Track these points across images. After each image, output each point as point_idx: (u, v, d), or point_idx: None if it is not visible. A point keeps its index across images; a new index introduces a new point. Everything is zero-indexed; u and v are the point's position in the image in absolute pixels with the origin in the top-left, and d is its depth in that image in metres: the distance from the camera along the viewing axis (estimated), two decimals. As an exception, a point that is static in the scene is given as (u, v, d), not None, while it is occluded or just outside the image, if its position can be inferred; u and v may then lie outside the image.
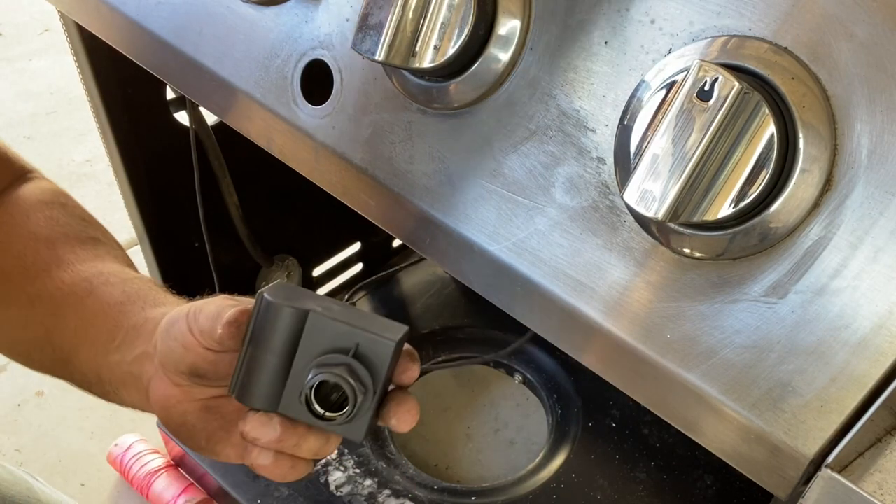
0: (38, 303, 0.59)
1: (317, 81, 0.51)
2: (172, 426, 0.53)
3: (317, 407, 0.46)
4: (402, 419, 0.49)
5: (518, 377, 1.23)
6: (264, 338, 0.46)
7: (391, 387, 0.49)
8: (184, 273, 1.00)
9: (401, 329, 0.47)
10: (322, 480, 1.06)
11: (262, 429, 0.48)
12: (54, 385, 1.33)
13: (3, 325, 0.60)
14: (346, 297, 1.25)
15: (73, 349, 0.57)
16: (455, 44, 0.42)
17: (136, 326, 0.55)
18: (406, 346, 0.48)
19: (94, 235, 0.64)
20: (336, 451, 1.09)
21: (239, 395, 0.47)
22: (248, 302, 0.49)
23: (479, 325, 1.25)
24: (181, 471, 1.16)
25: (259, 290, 0.46)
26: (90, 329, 0.56)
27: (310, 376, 0.45)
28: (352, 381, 0.44)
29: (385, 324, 0.47)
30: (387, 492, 1.05)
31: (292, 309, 0.45)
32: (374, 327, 0.46)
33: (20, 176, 0.65)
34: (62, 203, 0.65)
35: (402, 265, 1.32)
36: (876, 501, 0.34)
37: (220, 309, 0.48)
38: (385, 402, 0.48)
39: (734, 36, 0.37)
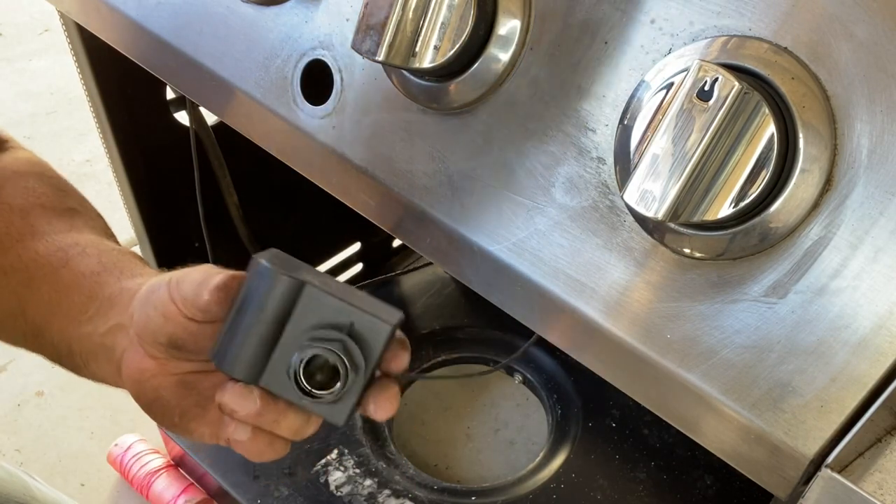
0: (12, 273, 0.57)
1: (317, 81, 0.51)
2: (144, 401, 0.51)
3: (304, 383, 0.43)
4: (381, 406, 0.47)
5: (518, 377, 1.23)
6: (255, 305, 0.43)
7: (377, 373, 0.47)
8: (184, 273, 1.00)
9: (396, 313, 0.45)
10: (322, 480, 1.06)
11: (241, 400, 0.46)
12: (54, 385, 1.33)
13: None
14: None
15: (45, 321, 0.55)
16: (455, 44, 0.42)
17: (111, 297, 0.53)
18: (398, 333, 0.46)
19: (71, 206, 0.62)
20: (336, 451, 1.09)
21: (219, 363, 0.45)
22: (234, 271, 0.47)
23: (479, 325, 1.25)
24: (181, 471, 1.17)
25: (254, 256, 0.44)
26: (63, 300, 0.55)
27: (301, 350, 0.43)
28: (345, 358, 0.42)
29: (381, 306, 0.45)
30: (387, 492, 1.05)
31: (289, 278, 0.43)
32: (371, 308, 0.44)
33: (2, 143, 0.64)
34: (38, 173, 0.63)
35: (404, 268, 1.32)
36: (876, 501, 0.34)
37: (205, 276, 0.46)
38: (367, 387, 0.46)
39: (734, 36, 0.37)
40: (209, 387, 0.50)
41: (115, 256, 0.57)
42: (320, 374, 0.44)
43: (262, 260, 0.44)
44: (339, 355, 0.43)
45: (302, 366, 0.43)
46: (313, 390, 0.44)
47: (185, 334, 0.47)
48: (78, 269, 0.55)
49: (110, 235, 0.62)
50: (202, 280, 0.46)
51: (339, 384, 0.43)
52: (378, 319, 0.43)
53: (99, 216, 0.65)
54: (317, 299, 0.43)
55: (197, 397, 0.50)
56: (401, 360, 0.47)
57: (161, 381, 0.50)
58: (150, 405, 0.51)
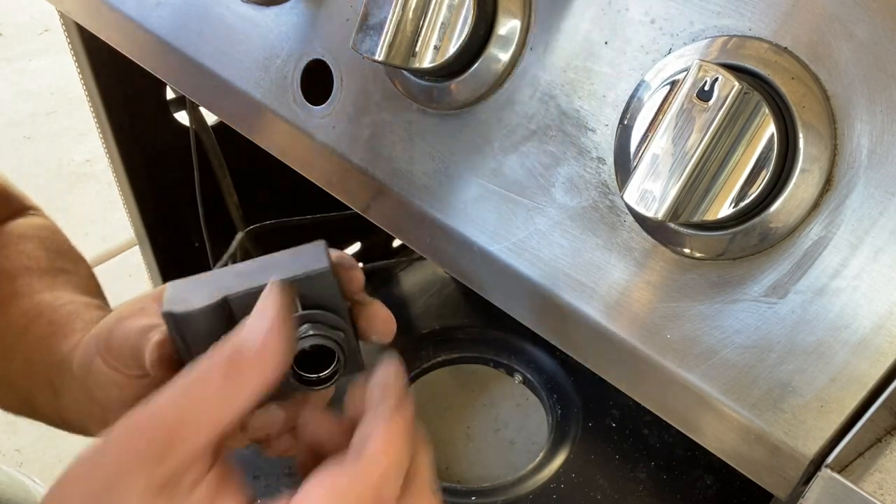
0: None
1: (317, 81, 0.51)
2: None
3: (304, 374, 0.41)
4: (381, 330, 0.44)
5: (518, 377, 1.23)
6: (195, 348, 0.40)
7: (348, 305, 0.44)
8: (184, 273, 1.00)
9: (320, 247, 0.41)
10: (322, 480, 1.06)
11: (265, 417, 0.44)
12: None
13: None
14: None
15: (27, 394, 0.54)
16: (455, 44, 0.42)
17: (61, 369, 0.51)
18: (335, 253, 0.43)
19: (59, 266, 0.61)
20: (336, 451, 1.08)
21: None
22: (149, 315, 0.43)
23: (479, 325, 1.25)
24: (181, 471, 1.16)
25: (162, 311, 0.40)
26: (32, 369, 0.53)
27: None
28: (326, 333, 0.39)
29: (302, 254, 0.41)
30: (387, 492, 1.04)
31: (205, 307, 0.39)
32: (298, 267, 0.40)
33: (17, 212, 0.65)
34: (41, 237, 0.63)
35: (402, 265, 1.32)
36: (876, 501, 0.34)
37: (132, 333, 0.43)
38: (355, 322, 0.43)
39: (734, 36, 0.37)
40: None
41: (66, 311, 0.54)
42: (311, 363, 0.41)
43: (172, 309, 0.40)
44: (319, 333, 0.40)
45: (296, 365, 0.41)
46: (320, 376, 0.42)
47: (149, 391, 0.40)
48: (35, 334, 0.53)
49: (93, 291, 0.60)
50: (133, 339, 0.43)
51: (336, 360, 0.41)
52: (313, 272, 0.40)
53: (90, 275, 0.63)
54: (246, 302, 0.39)
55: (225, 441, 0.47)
56: (356, 278, 0.44)
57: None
58: None
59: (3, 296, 0.57)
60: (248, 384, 0.34)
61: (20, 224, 0.64)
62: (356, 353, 0.42)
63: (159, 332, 0.42)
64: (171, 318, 0.39)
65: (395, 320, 0.44)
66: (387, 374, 0.38)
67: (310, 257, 0.41)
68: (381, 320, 0.44)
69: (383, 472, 0.34)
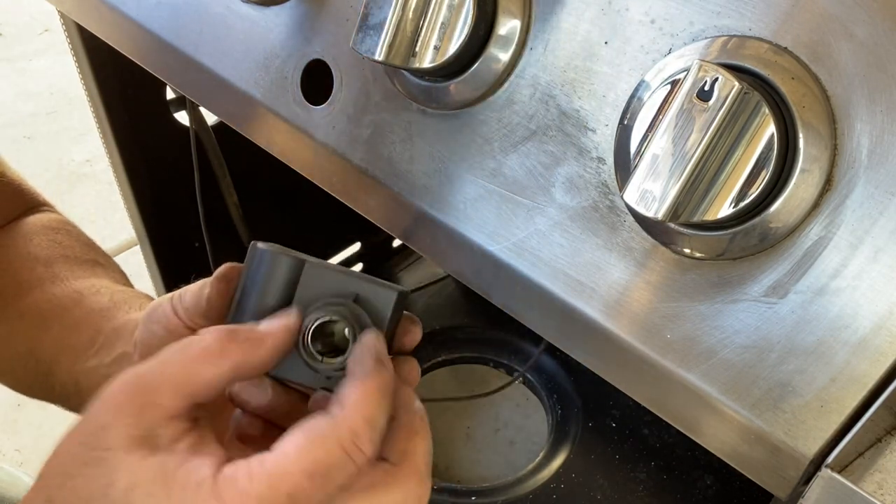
0: (27, 316, 0.58)
1: (317, 81, 0.51)
2: None
3: (314, 352, 0.41)
4: (404, 379, 0.44)
5: (518, 377, 1.23)
6: (256, 290, 0.42)
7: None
8: (184, 273, 1.01)
9: (400, 288, 0.43)
10: (322, 480, 1.06)
11: (252, 389, 0.45)
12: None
13: None
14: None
15: (54, 360, 0.55)
16: (455, 44, 0.42)
17: (117, 329, 0.53)
18: (406, 312, 0.45)
19: (94, 258, 0.64)
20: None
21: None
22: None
23: (479, 325, 1.25)
24: (181, 471, 1.16)
25: (251, 243, 0.43)
26: (72, 337, 0.55)
27: (310, 317, 0.40)
28: (354, 323, 0.40)
29: (384, 281, 0.43)
30: (387, 492, 1.04)
31: (288, 258, 0.41)
32: (374, 280, 0.42)
33: (33, 207, 0.66)
34: (67, 230, 0.65)
35: (402, 265, 1.32)
36: (876, 501, 0.34)
37: (204, 283, 0.46)
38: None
39: (734, 36, 0.37)
40: (218, 401, 0.47)
41: (127, 294, 0.57)
42: (328, 349, 0.41)
43: (259, 244, 0.42)
44: (347, 319, 0.40)
45: (310, 334, 0.41)
46: (325, 358, 0.41)
47: None
48: (89, 306, 0.56)
49: (128, 284, 0.63)
50: (201, 284, 0.46)
51: (349, 351, 0.41)
52: (382, 287, 0.42)
53: (121, 270, 0.66)
54: (318, 276, 0.41)
55: (203, 410, 0.48)
56: (413, 335, 0.45)
57: None
58: None
59: (43, 277, 0.59)
60: (227, 360, 0.37)
61: (41, 218, 0.66)
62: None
63: (227, 265, 0.44)
64: (256, 250, 0.42)
65: (417, 378, 0.46)
66: (365, 343, 0.40)
67: (389, 283, 0.42)
68: (406, 370, 0.45)
69: (356, 425, 0.36)
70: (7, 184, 0.65)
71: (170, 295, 0.48)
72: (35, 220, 0.65)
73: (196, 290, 0.46)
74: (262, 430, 0.45)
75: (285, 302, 0.42)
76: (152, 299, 0.57)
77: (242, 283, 0.43)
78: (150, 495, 0.34)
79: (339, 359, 0.41)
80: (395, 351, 0.45)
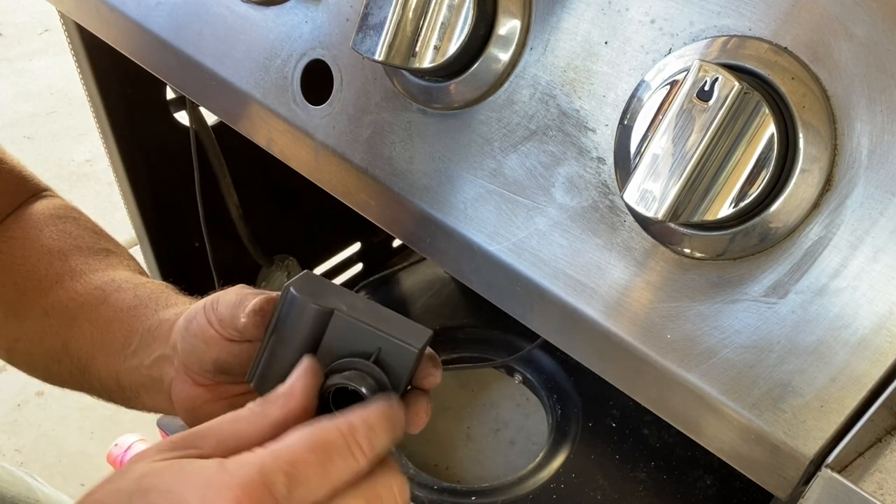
0: (53, 314, 0.59)
1: (317, 81, 0.51)
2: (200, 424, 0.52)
3: (333, 409, 0.45)
4: (411, 420, 0.48)
5: (518, 377, 1.23)
6: (287, 332, 0.46)
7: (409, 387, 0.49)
8: (184, 273, 1.01)
9: (425, 334, 0.46)
10: (322, 480, 1.06)
11: None
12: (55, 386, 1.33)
13: (20, 339, 0.61)
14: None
15: (89, 357, 0.57)
16: (455, 44, 0.42)
17: (151, 329, 0.55)
18: (428, 350, 0.48)
19: (105, 247, 0.65)
20: (336, 451, 1.08)
21: (257, 386, 0.47)
22: (266, 292, 0.49)
23: (479, 325, 1.25)
24: (181, 471, 1.16)
25: (286, 283, 0.46)
26: (105, 335, 0.56)
27: (329, 379, 0.44)
28: (368, 391, 0.44)
29: (410, 327, 0.46)
30: (387, 492, 1.04)
31: (317, 307, 0.45)
32: (398, 332, 0.45)
33: (35, 194, 0.67)
34: (74, 217, 0.66)
35: (402, 265, 1.32)
36: (876, 501, 0.34)
37: (240, 297, 0.48)
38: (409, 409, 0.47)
39: (734, 36, 0.37)
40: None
41: (150, 288, 0.59)
42: (352, 397, 0.45)
43: (293, 288, 0.45)
44: (364, 385, 0.44)
45: (330, 395, 0.44)
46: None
47: (228, 357, 0.49)
48: (116, 304, 0.58)
49: (142, 272, 0.65)
50: (237, 302, 0.48)
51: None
52: (404, 344, 0.45)
53: (130, 256, 0.68)
54: (344, 326, 0.45)
55: None
56: (433, 378, 0.48)
57: (213, 406, 0.52)
58: None
59: (61, 272, 0.60)
60: (271, 414, 0.41)
61: (46, 205, 0.66)
62: None
63: (262, 298, 0.47)
64: (288, 294, 0.46)
65: (427, 417, 0.49)
66: (374, 408, 0.43)
67: (412, 334, 0.46)
68: (415, 411, 0.48)
69: (355, 422, 0.39)
70: (9, 171, 0.65)
71: (202, 304, 0.50)
72: (41, 207, 0.66)
73: (229, 305, 0.48)
74: None
75: (311, 347, 0.45)
76: (172, 288, 0.60)
77: (274, 323, 0.46)
78: (158, 474, 0.37)
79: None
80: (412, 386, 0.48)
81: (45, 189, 0.68)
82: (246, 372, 0.49)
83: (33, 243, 0.62)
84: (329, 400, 0.44)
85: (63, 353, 0.58)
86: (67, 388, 0.60)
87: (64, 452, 1.26)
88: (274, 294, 0.47)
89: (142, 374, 0.54)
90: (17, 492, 0.75)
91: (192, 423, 0.52)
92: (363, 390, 0.44)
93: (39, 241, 0.62)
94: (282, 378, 0.45)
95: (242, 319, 0.47)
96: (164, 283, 0.61)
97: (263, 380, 0.47)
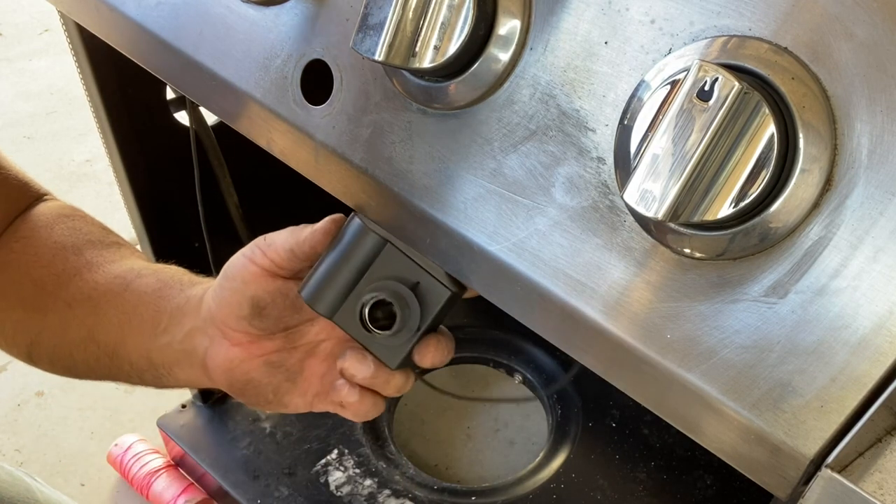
0: (76, 305, 0.61)
1: (317, 81, 0.51)
2: (238, 388, 0.56)
3: (367, 321, 0.51)
4: (435, 356, 0.54)
5: (518, 377, 1.23)
6: (343, 253, 0.52)
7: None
8: (184, 273, 1.00)
9: (460, 286, 0.52)
10: (322, 480, 1.06)
11: (358, 365, 0.53)
12: (54, 385, 1.33)
13: (43, 332, 0.62)
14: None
15: (118, 341, 0.60)
16: (455, 44, 0.42)
17: (179, 307, 0.58)
18: (443, 330, 0.56)
19: (115, 241, 0.67)
20: (336, 451, 1.09)
21: (307, 295, 0.53)
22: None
23: (479, 325, 1.25)
24: (181, 471, 1.17)
25: (352, 213, 0.53)
26: (133, 319, 0.59)
27: (370, 293, 0.51)
28: (400, 309, 0.51)
29: (450, 278, 0.52)
30: (387, 492, 1.05)
31: (375, 235, 0.51)
32: (439, 275, 0.52)
33: (37, 198, 0.68)
34: (81, 216, 0.68)
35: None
36: (876, 501, 0.34)
37: (295, 228, 0.54)
38: (424, 342, 0.54)
39: (734, 36, 0.37)
40: (295, 362, 0.56)
41: (169, 272, 0.62)
42: (383, 319, 0.52)
43: (358, 216, 0.52)
44: (398, 302, 0.51)
45: (368, 307, 0.51)
46: (373, 328, 0.52)
47: (265, 294, 0.53)
48: (140, 289, 0.60)
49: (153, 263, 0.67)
50: (292, 231, 0.54)
51: (394, 326, 0.51)
52: (441, 284, 0.52)
53: (138, 251, 0.70)
54: (393, 257, 0.52)
55: (285, 373, 0.56)
56: (436, 355, 0.54)
57: (249, 365, 0.55)
58: (244, 390, 0.56)
59: (78, 265, 0.63)
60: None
61: (51, 206, 0.68)
62: (402, 352, 0.54)
63: (331, 219, 0.54)
64: (354, 219, 0.53)
65: (442, 357, 0.55)
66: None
67: (452, 281, 0.52)
68: (434, 346, 0.54)
69: None
70: (13, 176, 0.66)
71: (242, 252, 0.55)
72: (46, 209, 0.67)
73: (287, 234, 0.54)
74: (358, 398, 0.55)
75: (361, 270, 0.52)
76: (191, 273, 0.63)
77: (334, 245, 0.53)
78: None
79: (387, 332, 0.52)
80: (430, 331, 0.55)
81: (46, 193, 0.69)
82: (279, 316, 0.54)
83: (45, 241, 0.64)
84: (364, 314, 0.51)
85: (89, 340, 0.60)
86: (92, 377, 0.63)
87: (64, 452, 1.26)
88: (337, 215, 0.53)
89: (174, 350, 0.57)
90: (16, 492, 0.75)
91: (229, 387, 0.56)
92: (394, 305, 0.51)
93: (52, 239, 0.64)
94: (331, 293, 0.52)
95: (307, 233, 0.52)
96: (180, 268, 0.64)
97: (313, 292, 0.52)
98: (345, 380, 0.55)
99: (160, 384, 0.60)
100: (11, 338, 0.64)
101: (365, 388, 0.55)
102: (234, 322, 0.54)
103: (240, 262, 0.54)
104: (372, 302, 0.51)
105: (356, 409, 0.55)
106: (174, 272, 0.62)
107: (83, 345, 0.61)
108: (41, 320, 0.62)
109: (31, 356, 0.64)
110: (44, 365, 0.64)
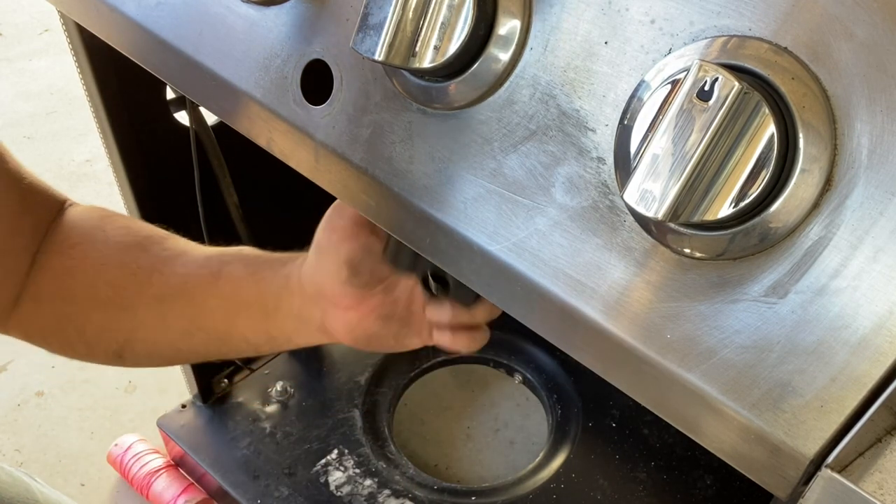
0: (169, 299, 0.64)
1: (317, 81, 0.51)
2: (364, 343, 0.62)
3: (433, 283, 0.59)
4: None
5: (518, 377, 1.23)
6: None
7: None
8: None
9: None
10: (322, 480, 1.06)
11: (437, 312, 0.61)
12: (54, 385, 1.33)
13: (138, 330, 0.65)
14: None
15: (229, 325, 0.64)
16: (455, 44, 0.42)
17: (282, 287, 0.63)
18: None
19: (162, 233, 0.69)
20: (336, 451, 1.09)
21: (390, 258, 0.59)
22: None
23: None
24: (181, 471, 1.17)
25: None
26: (238, 304, 0.63)
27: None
28: (452, 282, 0.59)
29: None
30: (387, 492, 1.05)
31: None
32: None
33: (62, 203, 0.69)
34: (116, 214, 0.70)
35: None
36: (876, 501, 0.34)
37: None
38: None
39: (734, 36, 0.37)
40: (402, 310, 0.62)
41: (250, 254, 0.67)
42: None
43: None
44: (450, 278, 0.58)
45: (430, 272, 0.59)
46: (438, 289, 0.60)
47: (354, 252, 0.58)
48: (232, 276, 0.64)
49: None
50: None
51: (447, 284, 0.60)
52: None
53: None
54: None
55: (398, 321, 0.62)
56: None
57: (366, 322, 0.61)
58: (370, 343, 0.63)
59: (152, 262, 0.65)
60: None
61: (81, 210, 0.69)
62: (471, 294, 0.60)
63: None
64: None
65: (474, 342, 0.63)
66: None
67: None
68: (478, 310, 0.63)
69: None
70: (38, 184, 0.67)
71: (322, 227, 0.61)
72: (80, 213, 0.68)
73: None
74: (451, 336, 0.62)
75: None
76: (263, 252, 0.67)
77: None
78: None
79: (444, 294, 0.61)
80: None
81: (67, 198, 0.70)
82: (374, 269, 0.60)
83: (106, 244, 0.66)
84: (429, 276, 0.59)
85: (194, 328, 0.64)
86: (198, 359, 0.68)
87: (64, 452, 1.26)
88: None
89: (291, 324, 0.62)
90: (16, 492, 0.75)
91: (355, 342, 0.62)
92: (448, 280, 0.58)
93: (111, 240, 0.66)
94: (407, 257, 0.58)
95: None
96: (249, 247, 0.68)
97: (395, 254, 0.59)
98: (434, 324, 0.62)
99: (278, 350, 0.66)
100: (96, 340, 0.65)
101: (456, 327, 0.61)
102: (339, 288, 0.59)
103: (324, 234, 0.59)
104: (431, 269, 0.58)
105: (456, 344, 0.62)
106: (252, 253, 0.66)
107: (187, 335, 0.64)
108: (132, 318, 0.64)
109: (122, 355, 0.65)
110: (139, 361, 0.67)
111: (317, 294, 0.61)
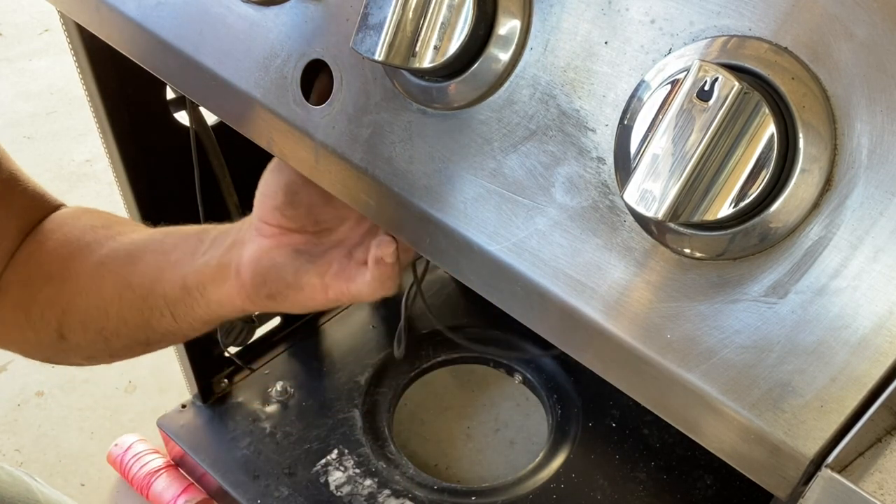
0: (109, 262, 0.63)
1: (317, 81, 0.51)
2: (260, 277, 0.59)
3: None
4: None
5: (518, 377, 1.23)
6: None
7: None
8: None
9: None
10: (322, 480, 1.06)
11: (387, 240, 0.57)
12: (54, 385, 1.33)
13: (75, 297, 0.64)
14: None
15: (154, 279, 0.62)
16: (455, 44, 0.42)
17: (223, 231, 0.62)
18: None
19: (137, 224, 0.69)
20: (336, 451, 1.09)
21: None
22: None
23: (479, 325, 1.25)
24: (181, 471, 1.17)
25: None
26: (173, 254, 0.62)
27: None
28: None
29: None
30: (387, 492, 1.05)
31: None
32: None
33: (53, 208, 0.69)
34: (101, 212, 0.70)
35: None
36: (876, 501, 0.34)
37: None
38: None
39: (734, 36, 0.37)
40: (319, 250, 0.60)
41: (208, 225, 0.65)
42: None
43: None
44: None
45: None
46: None
47: (296, 178, 0.57)
48: (181, 232, 0.64)
49: None
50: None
51: None
52: None
53: None
54: None
55: (307, 256, 0.59)
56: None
57: (277, 251, 0.59)
58: (266, 277, 0.59)
59: (111, 234, 0.65)
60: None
61: (70, 209, 0.69)
62: None
63: None
64: None
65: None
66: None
67: None
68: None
69: None
70: (31, 188, 0.67)
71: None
72: (71, 209, 0.69)
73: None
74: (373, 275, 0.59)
75: None
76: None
77: None
78: None
79: None
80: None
81: (62, 204, 0.70)
82: (311, 203, 0.58)
83: (73, 227, 0.66)
84: None
85: (125, 287, 0.62)
86: (123, 332, 0.64)
87: (64, 452, 1.26)
88: None
89: (210, 267, 0.60)
90: (16, 492, 0.75)
91: (253, 277, 0.59)
92: None
93: (81, 222, 0.66)
94: None
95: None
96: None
97: None
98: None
99: (192, 310, 0.61)
100: (40, 319, 0.65)
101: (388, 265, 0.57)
102: (270, 214, 0.58)
103: (274, 160, 0.58)
104: None
105: (374, 281, 0.57)
106: (211, 225, 0.65)
107: (117, 296, 0.63)
108: (73, 286, 0.64)
109: (62, 330, 0.65)
110: (76, 334, 0.65)
111: (248, 222, 0.60)
